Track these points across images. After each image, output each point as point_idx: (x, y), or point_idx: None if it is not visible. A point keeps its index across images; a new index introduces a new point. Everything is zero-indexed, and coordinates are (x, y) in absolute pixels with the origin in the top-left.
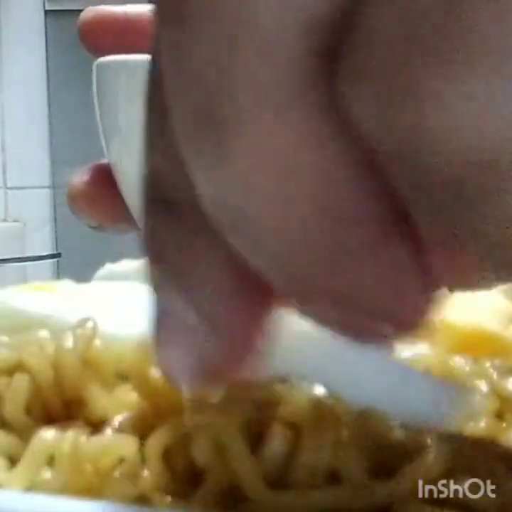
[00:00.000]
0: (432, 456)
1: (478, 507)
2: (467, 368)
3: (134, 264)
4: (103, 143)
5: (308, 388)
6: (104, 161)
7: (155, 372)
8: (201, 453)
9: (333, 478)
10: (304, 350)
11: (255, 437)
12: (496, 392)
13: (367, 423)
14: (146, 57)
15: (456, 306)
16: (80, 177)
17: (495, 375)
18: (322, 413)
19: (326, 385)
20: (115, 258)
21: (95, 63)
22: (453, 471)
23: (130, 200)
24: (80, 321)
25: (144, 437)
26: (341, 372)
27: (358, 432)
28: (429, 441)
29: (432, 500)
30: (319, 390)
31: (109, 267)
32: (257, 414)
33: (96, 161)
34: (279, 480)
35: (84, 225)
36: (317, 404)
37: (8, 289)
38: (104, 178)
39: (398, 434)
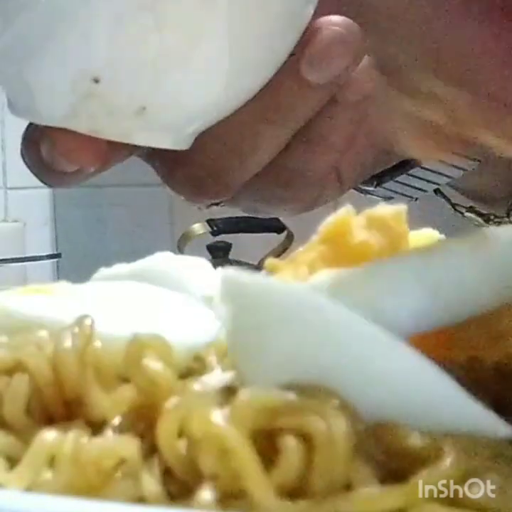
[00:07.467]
0: (448, 462)
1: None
2: None
3: (127, 268)
4: None
5: (320, 397)
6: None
7: (152, 366)
8: (208, 463)
9: (347, 486)
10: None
11: (264, 448)
12: None
13: (379, 431)
14: None
15: None
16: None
17: None
18: (333, 423)
19: (340, 390)
20: (112, 259)
21: None
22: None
23: None
24: (77, 319)
25: (144, 435)
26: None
27: (369, 441)
28: (445, 447)
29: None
30: (331, 398)
31: (103, 271)
32: (267, 424)
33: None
34: (291, 490)
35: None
36: (327, 413)
37: (6, 291)
38: None
39: (413, 441)
